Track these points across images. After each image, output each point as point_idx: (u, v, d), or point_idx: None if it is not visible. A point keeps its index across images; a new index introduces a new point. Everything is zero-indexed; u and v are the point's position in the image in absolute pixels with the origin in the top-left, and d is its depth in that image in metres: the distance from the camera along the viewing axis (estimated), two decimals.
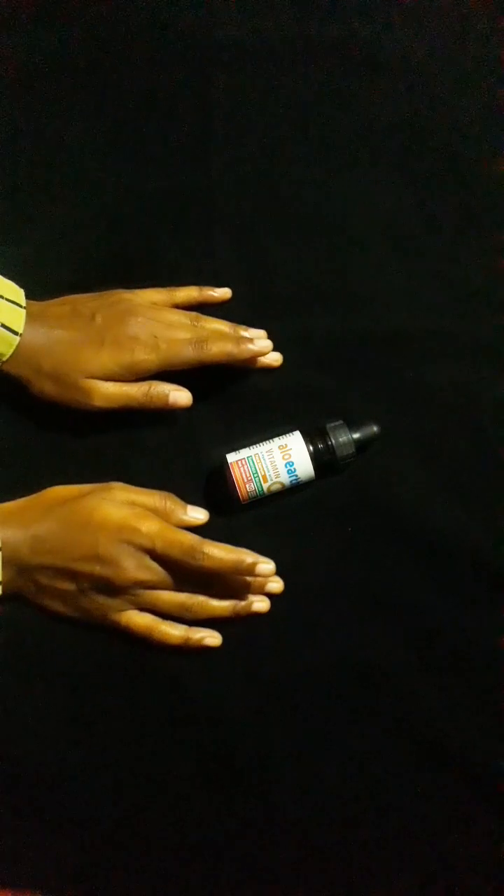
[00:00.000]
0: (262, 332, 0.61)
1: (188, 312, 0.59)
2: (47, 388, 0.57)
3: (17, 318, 0.55)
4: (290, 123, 0.65)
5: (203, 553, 0.53)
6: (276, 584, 0.58)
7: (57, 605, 0.55)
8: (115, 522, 0.53)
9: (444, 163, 0.64)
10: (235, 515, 0.59)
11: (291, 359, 0.62)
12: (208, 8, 0.66)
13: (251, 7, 0.65)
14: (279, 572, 0.57)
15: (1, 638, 0.56)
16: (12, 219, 0.64)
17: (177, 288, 0.61)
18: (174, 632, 0.55)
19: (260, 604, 0.57)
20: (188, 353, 0.56)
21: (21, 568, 0.54)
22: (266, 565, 0.55)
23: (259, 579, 0.56)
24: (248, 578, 0.56)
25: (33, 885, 0.55)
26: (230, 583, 0.56)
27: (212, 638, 0.56)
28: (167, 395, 0.57)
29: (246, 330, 0.60)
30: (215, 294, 0.61)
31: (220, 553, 0.54)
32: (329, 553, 0.59)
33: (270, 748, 0.57)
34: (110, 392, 0.56)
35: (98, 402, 0.56)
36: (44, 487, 0.57)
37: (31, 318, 0.56)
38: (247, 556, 0.55)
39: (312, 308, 0.63)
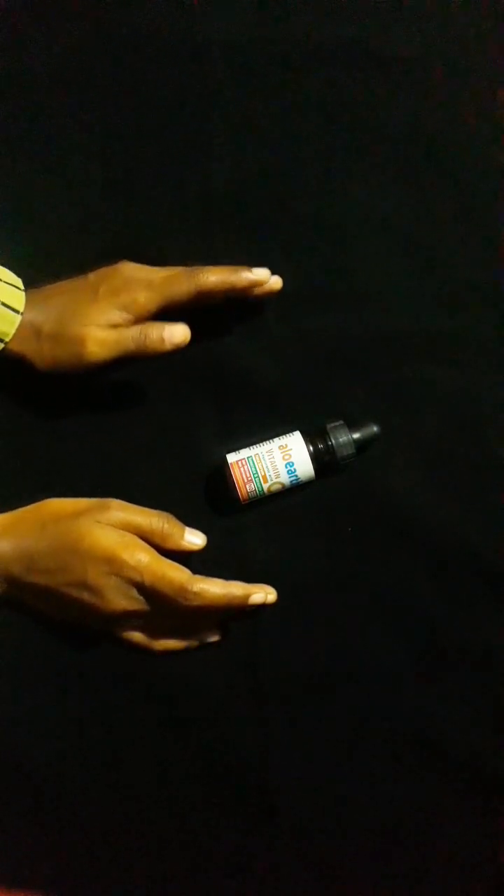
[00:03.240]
0: (265, 270, 0.58)
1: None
2: (46, 349, 0.55)
3: (18, 298, 0.55)
4: (290, 124, 0.65)
5: (193, 592, 0.52)
6: (269, 596, 0.56)
7: (52, 615, 0.55)
8: (103, 552, 0.52)
9: (445, 163, 0.64)
10: (235, 515, 0.59)
11: (291, 359, 0.62)
12: (208, 8, 0.66)
13: (251, 7, 0.65)
14: (279, 572, 0.57)
15: (1, 638, 0.56)
16: (12, 219, 0.64)
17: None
18: (173, 644, 0.56)
19: (258, 595, 0.56)
20: (184, 285, 0.55)
21: (12, 582, 0.54)
22: (257, 595, 0.55)
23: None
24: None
25: (33, 885, 0.55)
26: (219, 612, 0.56)
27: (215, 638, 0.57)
28: (161, 332, 0.54)
29: (249, 270, 0.58)
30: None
31: (211, 591, 0.53)
32: (329, 553, 0.59)
33: (270, 748, 0.57)
34: (104, 336, 0.54)
35: (93, 348, 0.54)
36: (43, 487, 0.57)
37: (30, 298, 0.56)
38: (237, 590, 0.54)
39: (312, 308, 0.62)
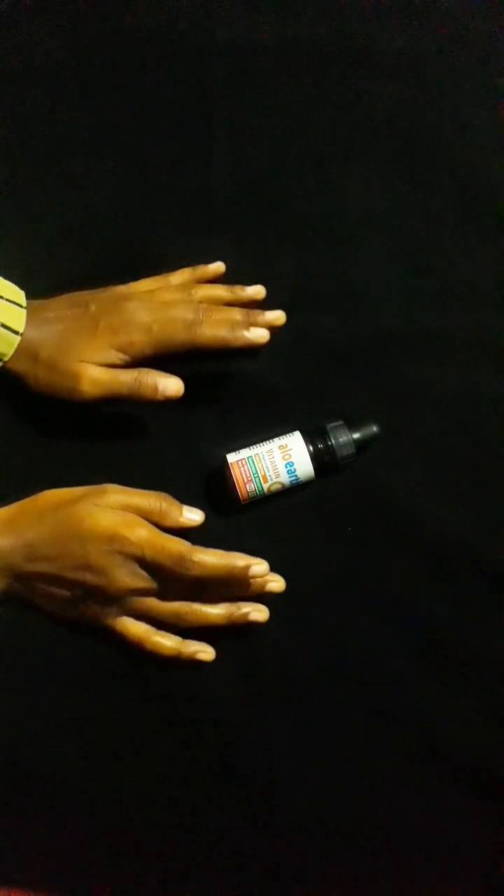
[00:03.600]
0: (259, 288, 0.60)
1: (184, 285, 0.59)
2: (41, 375, 0.56)
3: (19, 318, 0.56)
4: (290, 123, 0.65)
5: (193, 561, 0.52)
6: (276, 584, 0.57)
7: (54, 610, 0.55)
8: (104, 531, 0.52)
9: (444, 163, 0.64)
10: (235, 515, 0.59)
11: (291, 359, 0.62)
12: (208, 8, 0.66)
13: (251, 7, 0.65)
14: (279, 572, 0.57)
15: (1, 638, 0.56)
16: (12, 219, 0.64)
17: (170, 273, 0.61)
18: (167, 643, 0.55)
19: (257, 614, 0.56)
20: (180, 336, 0.56)
21: (16, 575, 0.54)
22: (259, 566, 0.54)
23: (258, 581, 0.56)
24: (249, 579, 0.55)
25: (33, 885, 0.55)
26: (225, 587, 0.56)
27: (204, 653, 0.56)
28: (156, 383, 0.56)
29: (243, 290, 0.59)
30: (208, 270, 0.61)
31: (211, 560, 0.53)
32: (329, 553, 0.59)
33: (270, 748, 0.57)
34: (99, 377, 0.55)
35: (87, 387, 0.55)
36: (42, 489, 0.57)
37: (30, 315, 0.56)
38: (238, 560, 0.54)
39: (312, 308, 0.62)
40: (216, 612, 0.55)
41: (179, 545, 0.53)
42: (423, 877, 0.56)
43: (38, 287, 0.58)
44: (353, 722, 0.57)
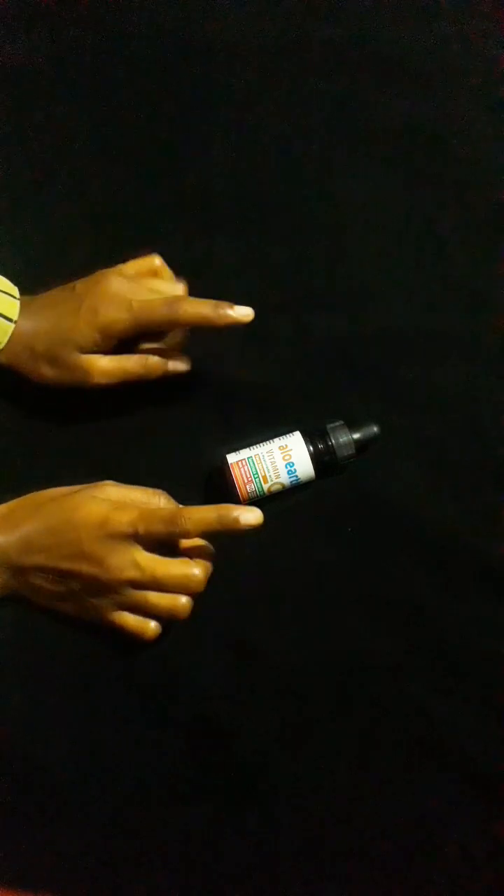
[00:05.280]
0: (248, 311, 0.56)
1: (170, 275, 0.59)
2: (45, 371, 0.56)
3: (12, 307, 0.56)
4: (290, 124, 0.65)
5: (184, 517, 0.51)
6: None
7: (53, 604, 0.55)
8: (96, 518, 0.52)
9: (444, 163, 0.64)
10: None
11: (291, 359, 0.62)
12: (208, 9, 0.66)
13: (251, 7, 0.65)
14: (279, 572, 0.57)
15: (1, 637, 0.57)
16: (12, 219, 0.64)
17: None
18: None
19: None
20: (161, 311, 0.55)
21: (14, 570, 0.54)
22: (250, 514, 0.51)
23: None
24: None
25: (33, 885, 0.55)
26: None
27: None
28: (165, 362, 0.57)
29: (231, 307, 0.55)
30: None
31: (201, 513, 0.52)
32: (329, 553, 0.59)
33: (269, 748, 0.57)
34: (107, 367, 0.56)
35: (98, 380, 0.56)
36: (41, 487, 0.57)
37: (23, 306, 0.57)
38: (231, 510, 0.51)
39: (312, 308, 0.63)
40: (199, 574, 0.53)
41: (168, 508, 0.54)
42: (423, 877, 0.56)
43: (37, 286, 0.58)
44: (352, 720, 0.57)
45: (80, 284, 0.57)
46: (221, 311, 0.55)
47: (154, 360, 0.57)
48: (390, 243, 0.63)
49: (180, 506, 0.55)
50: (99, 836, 0.56)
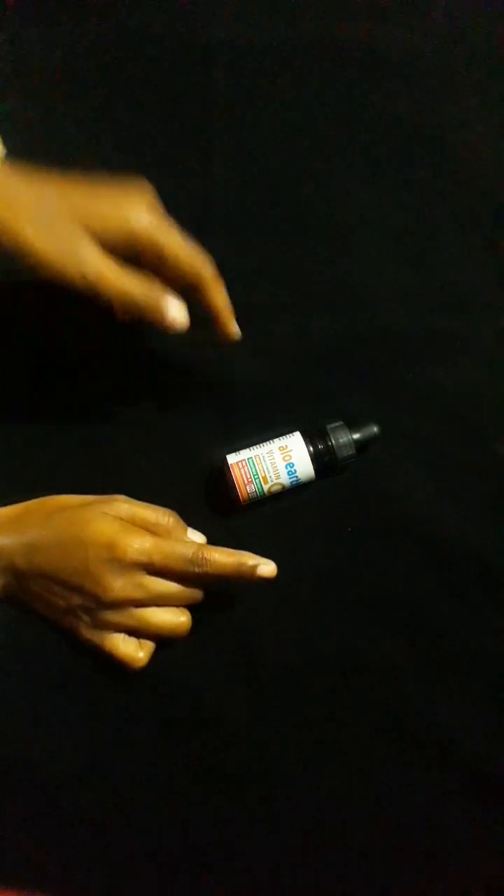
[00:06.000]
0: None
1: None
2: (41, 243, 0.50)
3: None
4: (290, 123, 0.65)
5: (205, 559, 0.52)
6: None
7: (50, 615, 0.55)
8: (105, 538, 0.52)
9: (444, 163, 0.64)
10: (235, 516, 0.60)
11: (291, 359, 0.62)
12: (208, 8, 0.66)
13: (251, 7, 0.65)
14: (279, 572, 0.57)
15: (1, 638, 0.56)
16: None
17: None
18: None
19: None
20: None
21: (17, 574, 0.54)
22: (266, 567, 0.54)
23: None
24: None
25: (33, 885, 0.55)
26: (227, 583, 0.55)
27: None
28: (167, 303, 0.52)
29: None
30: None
31: (222, 558, 0.53)
32: (329, 553, 0.59)
33: (270, 749, 0.57)
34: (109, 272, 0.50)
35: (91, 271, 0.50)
36: (42, 487, 0.57)
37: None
38: (248, 559, 0.54)
39: (312, 308, 0.62)
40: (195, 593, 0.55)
41: (187, 546, 0.53)
42: (423, 877, 0.56)
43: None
44: (352, 721, 0.57)
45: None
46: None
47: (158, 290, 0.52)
48: (391, 244, 0.63)
49: (195, 539, 0.56)
50: (99, 836, 0.56)
